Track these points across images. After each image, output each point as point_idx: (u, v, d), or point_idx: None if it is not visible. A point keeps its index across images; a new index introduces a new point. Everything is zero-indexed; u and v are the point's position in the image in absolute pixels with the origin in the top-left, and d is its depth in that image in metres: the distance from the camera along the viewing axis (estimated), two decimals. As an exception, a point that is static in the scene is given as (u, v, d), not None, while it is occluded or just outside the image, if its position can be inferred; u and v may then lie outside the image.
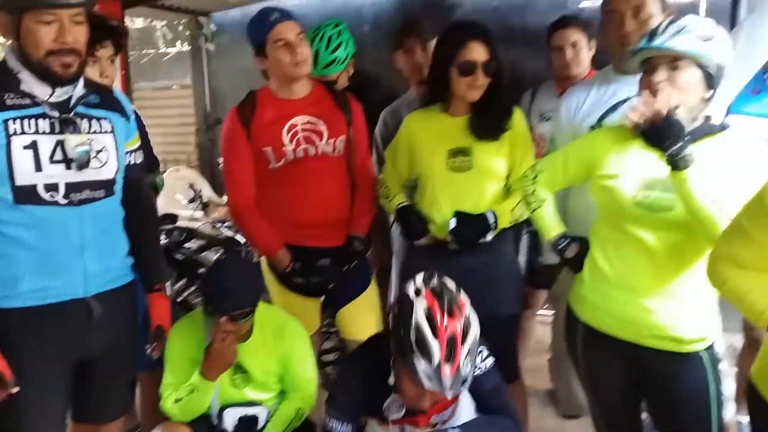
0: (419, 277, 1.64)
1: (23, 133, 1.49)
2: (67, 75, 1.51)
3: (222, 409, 2.00)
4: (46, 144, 1.52)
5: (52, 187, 1.53)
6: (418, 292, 1.58)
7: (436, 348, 1.49)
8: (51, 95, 1.53)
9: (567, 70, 2.58)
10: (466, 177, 2.03)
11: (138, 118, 2.19)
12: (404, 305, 1.58)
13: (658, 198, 1.52)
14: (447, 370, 1.49)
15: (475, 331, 1.57)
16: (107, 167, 1.62)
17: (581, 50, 2.56)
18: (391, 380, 1.64)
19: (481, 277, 2.08)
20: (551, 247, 1.81)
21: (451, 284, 1.64)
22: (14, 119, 1.48)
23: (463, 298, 1.63)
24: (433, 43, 2.17)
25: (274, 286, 2.27)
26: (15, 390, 1.50)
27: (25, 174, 1.49)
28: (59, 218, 1.54)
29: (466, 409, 1.75)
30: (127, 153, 1.72)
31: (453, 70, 1.96)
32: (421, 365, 1.49)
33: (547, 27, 2.68)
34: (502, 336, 2.09)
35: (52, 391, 1.61)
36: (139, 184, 1.80)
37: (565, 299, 1.82)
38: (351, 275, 2.23)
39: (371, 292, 2.34)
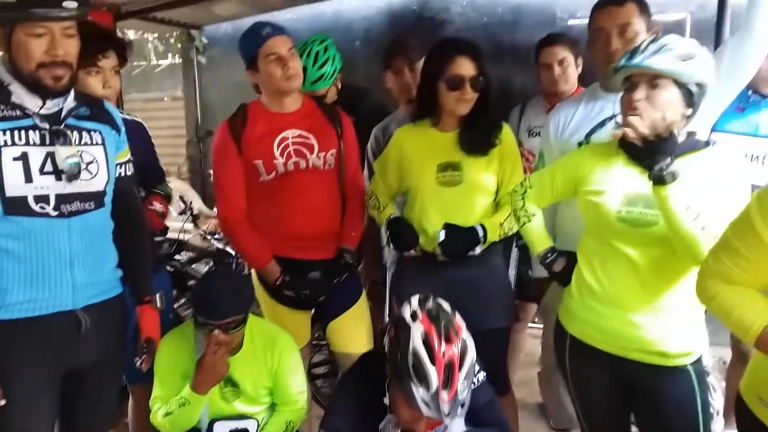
0: (415, 300, 1.62)
1: (13, 144, 1.49)
2: (58, 87, 1.52)
3: (212, 422, 1.99)
4: (36, 155, 1.52)
5: (42, 199, 1.53)
6: (414, 316, 1.56)
7: (433, 375, 1.47)
8: (41, 107, 1.54)
9: (555, 86, 2.62)
10: (456, 191, 2.05)
11: (144, 130, 2.20)
12: (400, 329, 1.56)
13: (642, 213, 1.54)
14: (445, 396, 1.47)
15: (471, 355, 1.56)
16: (97, 179, 1.63)
17: (569, 67, 2.60)
18: (386, 401, 1.63)
19: (471, 291, 2.10)
20: (539, 260, 1.85)
21: (446, 306, 1.63)
22: (4, 131, 1.49)
23: (459, 320, 1.61)
24: (420, 63, 2.20)
25: (265, 299, 2.27)
26: (2, 402, 1.50)
27: (15, 185, 1.49)
28: (49, 230, 1.54)
29: (458, 423, 1.75)
30: (117, 165, 1.72)
31: (441, 84, 1.99)
32: (418, 392, 1.48)
33: (536, 44, 2.72)
34: (493, 349, 2.10)
35: (40, 403, 1.60)
36: (129, 196, 1.80)
37: (554, 312, 1.84)
38: (341, 288, 2.23)
39: (362, 305, 2.34)
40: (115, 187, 1.71)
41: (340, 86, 2.68)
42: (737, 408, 1.43)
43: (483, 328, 2.04)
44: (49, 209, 1.53)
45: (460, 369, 1.50)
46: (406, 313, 1.58)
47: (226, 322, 1.84)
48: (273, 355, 2.01)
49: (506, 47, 3.79)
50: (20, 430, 1.57)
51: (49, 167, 1.53)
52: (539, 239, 1.85)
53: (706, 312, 1.61)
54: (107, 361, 1.72)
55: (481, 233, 2.02)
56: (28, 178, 1.50)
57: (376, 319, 2.57)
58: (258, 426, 2.03)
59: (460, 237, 2.03)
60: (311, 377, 2.99)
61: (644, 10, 1.86)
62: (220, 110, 2.19)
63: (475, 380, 1.70)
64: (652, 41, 1.50)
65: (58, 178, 1.54)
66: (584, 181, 1.67)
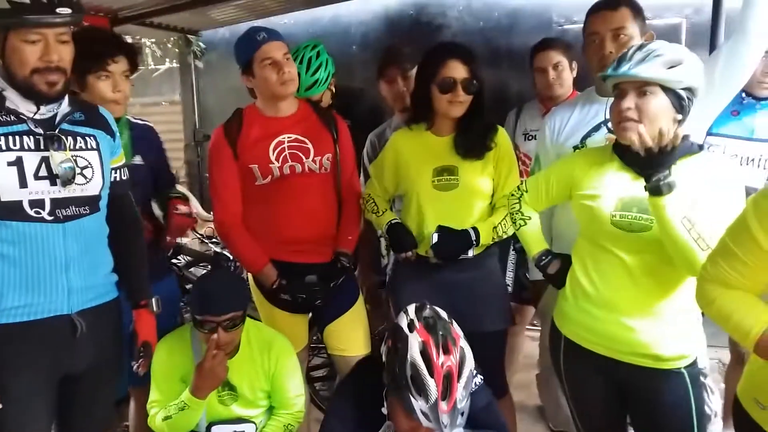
0: (411, 309, 1.62)
1: (8, 149, 1.50)
2: (52, 93, 1.53)
3: (210, 425, 1.99)
4: (30, 160, 1.52)
5: (37, 204, 1.53)
6: (411, 327, 1.56)
7: (432, 386, 1.47)
8: (36, 112, 1.55)
9: (550, 90, 2.63)
10: (452, 196, 2.06)
11: (154, 134, 2.21)
12: (398, 340, 1.55)
13: (636, 218, 1.54)
14: (444, 407, 1.47)
15: (470, 364, 1.55)
16: (92, 184, 1.63)
17: (563, 71, 2.61)
18: (384, 410, 1.63)
19: (468, 294, 2.11)
20: (534, 263, 1.86)
21: (443, 314, 1.63)
22: None
23: (456, 329, 1.61)
24: (413, 71, 2.22)
25: (261, 303, 2.28)
26: None
27: (9, 190, 1.50)
28: (44, 234, 1.54)
29: (457, 430, 1.75)
30: (112, 170, 1.73)
31: (434, 87, 2.00)
32: (417, 403, 1.47)
33: (530, 48, 2.73)
34: (490, 352, 2.11)
35: (36, 407, 1.60)
36: (125, 200, 1.81)
37: (551, 315, 1.84)
38: (338, 292, 2.23)
39: (359, 308, 2.34)
40: (111, 191, 1.72)
41: (334, 90, 2.69)
42: (734, 411, 1.43)
43: (479, 330, 2.05)
44: (44, 214, 1.54)
45: (458, 379, 1.50)
46: (403, 323, 1.57)
47: (226, 318, 1.85)
48: (270, 358, 2.02)
49: (503, 51, 3.81)
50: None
51: (43, 172, 1.54)
52: (535, 242, 1.86)
53: (703, 314, 1.62)
54: (103, 365, 1.72)
55: (473, 236, 2.03)
56: (23, 183, 1.51)
57: (374, 322, 2.57)
58: (256, 429, 2.04)
59: (453, 240, 2.03)
60: (310, 380, 3.00)
61: (638, 14, 1.87)
62: (218, 114, 2.21)
63: (472, 384, 1.69)
64: (639, 49, 1.49)
65: (53, 183, 1.55)
66: (579, 185, 1.67)
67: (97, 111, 1.73)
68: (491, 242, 2.10)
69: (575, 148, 1.96)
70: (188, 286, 3.24)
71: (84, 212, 1.61)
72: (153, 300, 1.82)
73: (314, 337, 2.64)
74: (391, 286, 2.34)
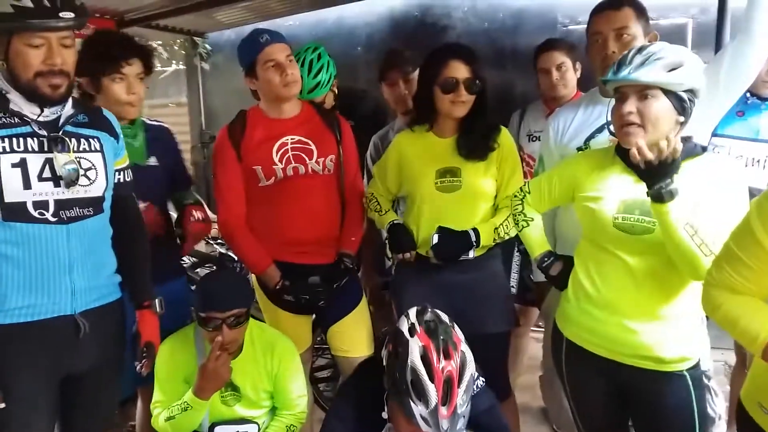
0: (413, 313, 1.61)
1: (12, 151, 1.51)
2: (55, 96, 1.54)
3: (213, 425, 2.00)
4: (34, 162, 1.54)
5: (41, 205, 1.54)
6: (412, 331, 1.55)
7: (432, 391, 1.45)
8: (39, 115, 1.56)
9: (553, 91, 2.63)
10: (455, 197, 2.06)
11: (170, 135, 2.24)
12: (399, 344, 1.55)
13: (639, 220, 1.53)
14: (444, 412, 1.46)
15: (471, 368, 1.54)
16: (96, 185, 1.64)
17: (567, 72, 2.60)
18: (385, 414, 1.62)
19: (471, 295, 2.11)
20: (536, 264, 1.85)
21: (445, 318, 1.61)
22: (2, 138, 1.51)
23: (458, 332, 1.59)
24: (415, 74, 2.24)
25: (265, 304, 2.29)
26: (1, 406, 1.51)
27: (13, 191, 1.51)
28: (48, 236, 1.55)
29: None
30: (116, 171, 1.74)
31: (436, 88, 2.01)
32: (417, 408, 1.46)
33: (534, 49, 2.73)
34: (492, 354, 2.10)
35: (39, 406, 1.62)
36: (128, 201, 1.82)
37: (554, 316, 1.84)
38: (341, 293, 2.23)
39: (362, 309, 2.34)
40: (114, 193, 1.73)
41: (336, 92, 2.70)
42: (738, 415, 1.41)
43: (482, 332, 2.05)
44: (48, 215, 1.55)
45: (459, 384, 1.49)
46: (404, 327, 1.56)
47: (231, 314, 1.86)
48: (273, 359, 2.02)
49: (507, 52, 3.80)
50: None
51: (47, 173, 1.55)
52: (537, 243, 1.86)
53: (708, 317, 1.61)
54: (105, 365, 1.73)
55: (473, 237, 2.03)
56: (27, 185, 1.52)
57: (379, 323, 2.58)
58: (259, 430, 2.04)
59: (453, 241, 2.03)
60: (314, 381, 3.01)
61: (641, 14, 1.86)
62: (224, 116, 2.23)
63: (474, 387, 1.67)
64: (638, 52, 1.48)
65: (57, 185, 1.56)
66: (581, 187, 1.67)
67: (100, 113, 1.74)
68: (492, 243, 2.09)
69: (579, 149, 1.96)
70: (194, 287, 3.25)
71: (87, 213, 1.63)
72: (156, 301, 1.83)
73: (318, 338, 2.64)
74: (394, 287, 2.34)
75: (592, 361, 1.66)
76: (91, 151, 1.65)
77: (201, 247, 3.56)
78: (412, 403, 1.46)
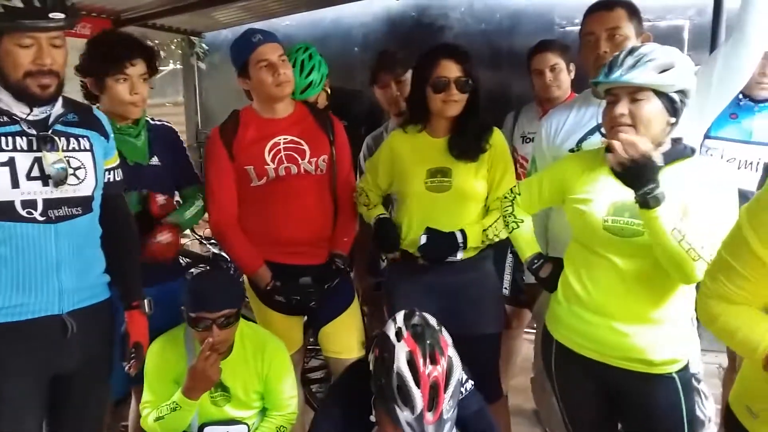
0: (400, 317, 1.60)
1: (1, 150, 1.51)
2: (45, 96, 1.54)
3: (202, 426, 1.99)
4: (23, 161, 1.53)
5: (29, 204, 1.54)
6: (399, 335, 1.54)
7: (418, 397, 1.45)
8: (29, 114, 1.56)
9: (547, 92, 2.62)
10: (444, 197, 2.06)
11: (172, 133, 2.22)
12: (385, 348, 1.54)
13: (628, 223, 1.53)
14: (430, 418, 1.45)
15: (457, 373, 1.53)
16: (85, 184, 1.64)
17: (560, 73, 2.59)
18: (373, 418, 1.62)
19: (461, 296, 2.10)
20: (526, 266, 1.85)
21: (432, 321, 1.61)
22: None
23: (445, 336, 1.59)
24: (406, 75, 2.24)
25: (256, 304, 2.28)
26: None
27: (1, 190, 1.51)
28: (36, 235, 1.55)
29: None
30: (106, 171, 1.74)
31: (428, 88, 2.01)
32: (402, 414, 1.45)
33: (527, 50, 2.72)
34: (483, 356, 2.10)
35: (27, 406, 1.61)
36: (118, 201, 1.81)
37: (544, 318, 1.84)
38: (333, 294, 2.23)
39: (354, 310, 2.34)
40: (104, 192, 1.73)
41: (329, 91, 2.70)
42: (726, 418, 1.41)
43: (473, 333, 2.05)
44: (36, 214, 1.55)
45: (445, 390, 1.48)
46: (391, 332, 1.55)
47: (221, 315, 1.85)
48: (263, 359, 2.02)
49: (504, 53, 3.80)
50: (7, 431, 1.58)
51: (36, 172, 1.55)
52: (527, 245, 1.86)
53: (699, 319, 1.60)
54: (94, 365, 1.73)
55: (460, 239, 2.02)
56: (15, 184, 1.52)
57: (374, 324, 2.57)
58: (249, 430, 2.03)
59: (440, 241, 2.03)
60: (307, 382, 3.00)
61: (634, 15, 1.86)
62: (220, 115, 2.24)
63: (462, 390, 1.68)
64: (629, 53, 1.48)
65: (45, 184, 1.56)
66: (571, 189, 1.66)
67: (91, 112, 1.74)
68: (481, 245, 2.08)
69: (571, 151, 1.95)
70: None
71: (76, 213, 1.62)
72: (145, 301, 1.82)
73: (311, 339, 2.64)
74: (386, 288, 2.34)
75: (582, 363, 1.66)
76: (80, 150, 1.64)
77: (195, 247, 3.55)
78: (397, 409, 1.46)
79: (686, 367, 1.61)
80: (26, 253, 1.54)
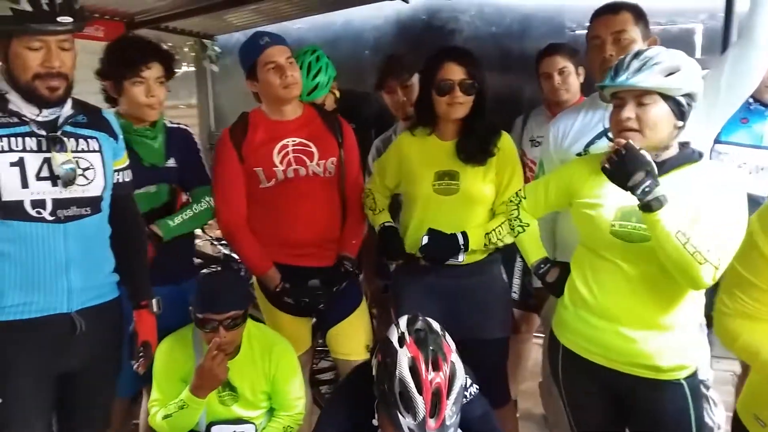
0: (403, 322, 1.59)
1: (10, 150, 1.54)
2: (54, 97, 1.56)
3: (210, 425, 2.01)
4: (32, 161, 1.56)
5: (38, 204, 1.56)
6: (401, 341, 1.53)
7: (420, 404, 1.44)
8: (38, 115, 1.58)
9: (556, 95, 2.61)
10: (451, 200, 2.06)
11: (187, 135, 2.24)
12: (387, 354, 1.53)
13: (635, 227, 1.52)
14: (432, 424, 1.44)
15: (460, 379, 1.52)
16: (94, 185, 1.66)
17: (569, 76, 2.58)
18: (376, 422, 1.61)
19: (469, 300, 2.10)
20: (533, 271, 1.84)
21: (436, 326, 1.60)
22: (1, 137, 1.53)
23: (449, 342, 1.58)
24: (412, 79, 2.27)
25: (265, 306, 2.30)
26: None
27: (11, 190, 1.53)
28: (44, 235, 1.57)
29: None
30: (115, 172, 1.76)
31: (433, 91, 2.01)
32: (405, 420, 1.45)
33: (536, 54, 2.72)
34: (490, 360, 2.10)
35: (35, 403, 1.63)
36: (127, 201, 1.83)
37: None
38: (341, 296, 2.24)
39: (362, 312, 2.34)
40: (113, 193, 1.75)
41: (338, 94, 2.71)
42: (734, 427, 1.40)
43: (479, 337, 2.05)
44: (45, 214, 1.57)
45: (447, 396, 1.47)
46: (394, 337, 1.55)
47: (227, 316, 1.87)
48: (271, 360, 2.03)
49: (514, 57, 3.79)
50: (16, 427, 1.60)
51: (45, 173, 1.57)
52: (533, 249, 1.85)
53: (710, 326, 1.59)
54: (101, 363, 1.75)
55: (461, 241, 2.02)
56: (25, 184, 1.54)
57: (383, 326, 2.57)
58: (256, 430, 2.05)
59: (441, 243, 2.03)
60: (316, 383, 3.01)
61: (640, 18, 1.85)
62: (233, 118, 2.26)
63: (467, 394, 1.67)
64: (635, 57, 1.47)
65: (54, 184, 1.58)
66: (578, 193, 1.66)
67: (99, 114, 1.76)
68: (483, 248, 2.08)
69: (578, 155, 1.94)
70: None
71: (85, 213, 1.64)
72: (153, 301, 1.84)
73: (320, 341, 2.65)
74: (393, 290, 2.34)
75: (589, 368, 1.65)
76: (89, 151, 1.67)
77: (206, 248, 3.58)
78: (399, 415, 1.45)
79: (695, 374, 1.59)
80: (35, 252, 1.57)
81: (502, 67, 3.72)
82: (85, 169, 1.63)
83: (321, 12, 4.14)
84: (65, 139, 1.60)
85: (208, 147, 4.94)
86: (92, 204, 1.66)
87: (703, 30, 3.38)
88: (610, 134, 1.75)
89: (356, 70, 3.58)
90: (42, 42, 1.51)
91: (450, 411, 1.47)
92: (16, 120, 1.56)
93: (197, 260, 3.45)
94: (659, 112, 1.47)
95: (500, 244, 2.07)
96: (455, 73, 1.98)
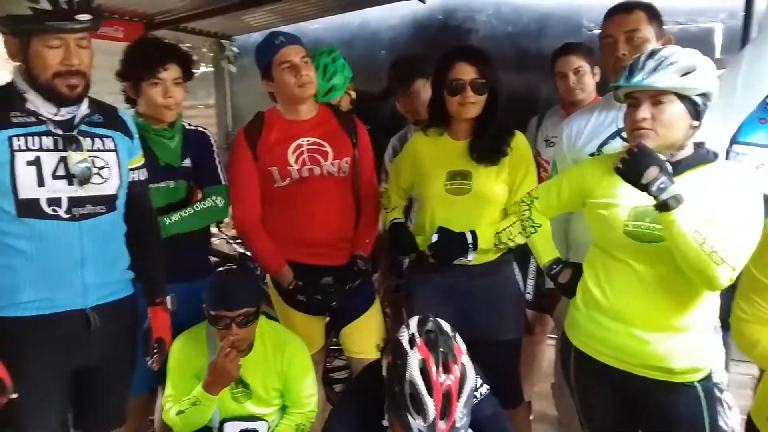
0: (413, 323, 1.59)
1: (27, 149, 1.56)
2: (73, 95, 1.59)
3: (223, 422, 2.03)
4: (49, 160, 1.59)
5: (54, 202, 1.59)
6: (412, 342, 1.53)
7: (430, 406, 1.44)
8: (56, 114, 1.61)
9: (571, 95, 2.59)
10: (463, 200, 2.05)
11: (203, 137, 2.25)
12: (398, 356, 1.53)
13: (649, 228, 1.51)
14: (442, 426, 1.44)
15: (471, 381, 1.52)
16: (109, 183, 1.68)
17: (584, 76, 2.56)
18: (385, 422, 1.61)
19: (481, 300, 2.10)
20: (545, 272, 1.83)
21: (447, 328, 1.60)
22: (18, 136, 1.56)
23: (459, 343, 1.58)
24: (417, 83, 2.30)
25: (279, 304, 2.31)
26: (14, 396, 1.55)
27: (28, 188, 1.56)
28: (60, 232, 1.60)
29: None
30: (131, 170, 1.78)
31: (445, 91, 2.01)
32: (415, 422, 1.45)
33: (551, 53, 2.71)
34: (502, 361, 2.09)
35: (50, 398, 1.66)
36: (142, 200, 1.86)
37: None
38: (354, 294, 2.24)
39: (374, 311, 2.35)
40: (129, 191, 1.77)
41: (354, 95, 2.72)
42: (747, 430, 1.39)
43: (491, 338, 2.04)
44: (61, 212, 1.60)
45: (458, 398, 1.47)
46: (404, 339, 1.55)
47: (240, 313, 1.89)
48: (283, 358, 2.05)
49: (531, 56, 3.78)
50: (32, 422, 1.63)
51: (61, 171, 1.60)
52: (545, 250, 1.84)
53: (725, 329, 1.57)
54: (116, 359, 1.77)
55: (470, 239, 2.01)
56: (41, 182, 1.57)
57: (395, 325, 2.57)
58: (268, 427, 2.06)
59: (450, 241, 2.02)
60: (329, 381, 3.02)
61: (654, 18, 1.83)
62: (250, 118, 2.30)
63: (477, 394, 1.66)
64: (650, 56, 1.46)
65: (70, 182, 1.61)
66: (592, 194, 1.65)
67: (115, 113, 1.78)
68: (493, 248, 2.07)
69: (592, 155, 1.92)
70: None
71: (100, 211, 1.67)
72: (168, 297, 1.86)
73: (334, 339, 2.66)
74: (405, 290, 2.34)
75: (601, 370, 1.64)
76: (105, 150, 1.69)
77: (222, 246, 3.61)
78: (410, 417, 1.45)
79: (709, 376, 1.58)
80: (51, 249, 1.59)
81: (518, 66, 3.71)
82: (100, 168, 1.66)
83: (337, 12, 4.16)
84: (81, 138, 1.63)
85: (225, 147, 5.00)
86: (107, 202, 1.69)
87: (723, 29, 3.34)
88: (623, 134, 1.74)
89: (372, 69, 3.58)
90: (61, 40, 1.54)
91: (460, 413, 1.47)
92: (33, 119, 1.59)
93: (213, 259, 3.49)
94: (675, 111, 1.46)
95: (511, 244, 2.06)
96: (466, 72, 1.98)
